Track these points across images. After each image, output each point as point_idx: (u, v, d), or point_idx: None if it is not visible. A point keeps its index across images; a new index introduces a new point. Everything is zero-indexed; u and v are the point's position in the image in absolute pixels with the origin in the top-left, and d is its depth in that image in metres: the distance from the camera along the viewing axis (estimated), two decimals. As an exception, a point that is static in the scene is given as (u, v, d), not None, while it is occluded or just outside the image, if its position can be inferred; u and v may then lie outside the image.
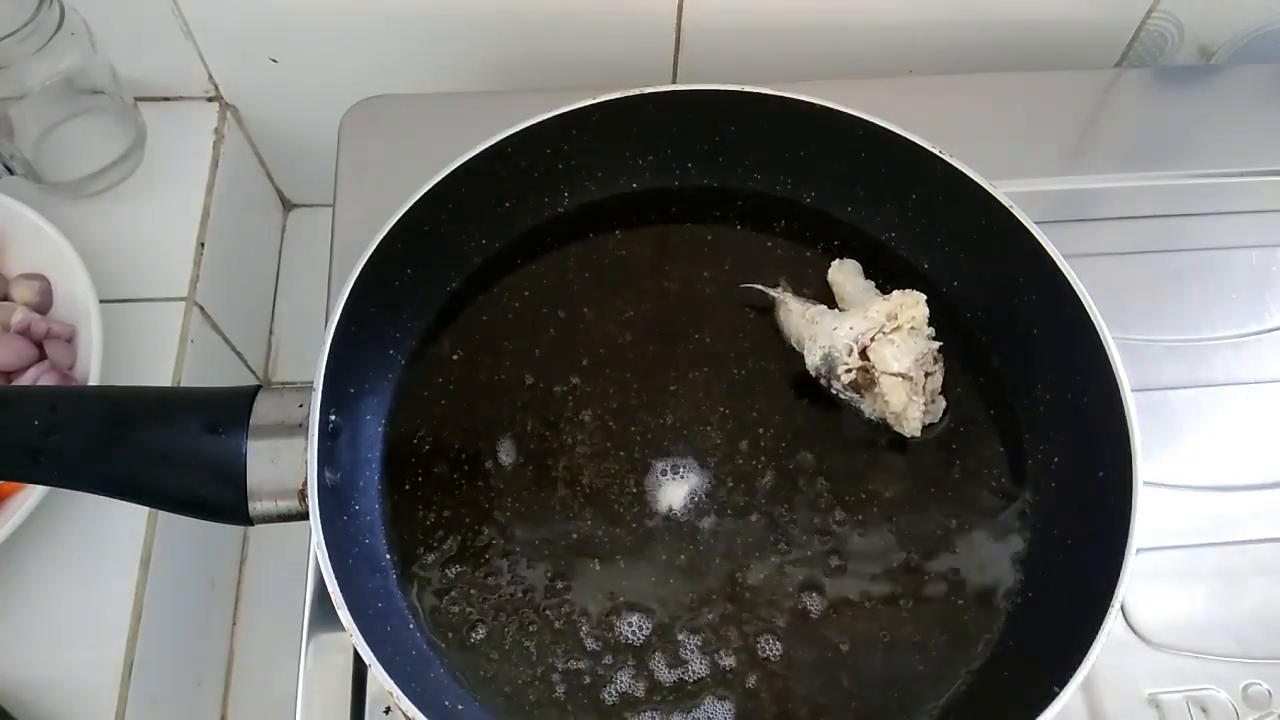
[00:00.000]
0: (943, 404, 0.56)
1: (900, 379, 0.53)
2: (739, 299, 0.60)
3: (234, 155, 0.82)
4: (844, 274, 0.59)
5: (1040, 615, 0.50)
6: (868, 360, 0.53)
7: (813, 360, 0.56)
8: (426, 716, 0.43)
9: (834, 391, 0.56)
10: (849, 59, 0.81)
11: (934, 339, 0.55)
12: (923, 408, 0.54)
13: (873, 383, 0.54)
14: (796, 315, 0.57)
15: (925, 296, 0.54)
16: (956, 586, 0.52)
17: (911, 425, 0.54)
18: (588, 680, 0.49)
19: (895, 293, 0.55)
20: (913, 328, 0.54)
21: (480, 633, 0.50)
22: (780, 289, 0.59)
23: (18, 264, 0.68)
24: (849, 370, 0.54)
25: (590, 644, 0.50)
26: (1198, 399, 0.64)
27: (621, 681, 0.49)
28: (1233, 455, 0.62)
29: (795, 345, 0.57)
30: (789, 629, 0.51)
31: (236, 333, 0.80)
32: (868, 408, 0.55)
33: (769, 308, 0.59)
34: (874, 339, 0.53)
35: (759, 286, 0.59)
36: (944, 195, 0.57)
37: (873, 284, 0.59)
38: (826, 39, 0.79)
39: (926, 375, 0.54)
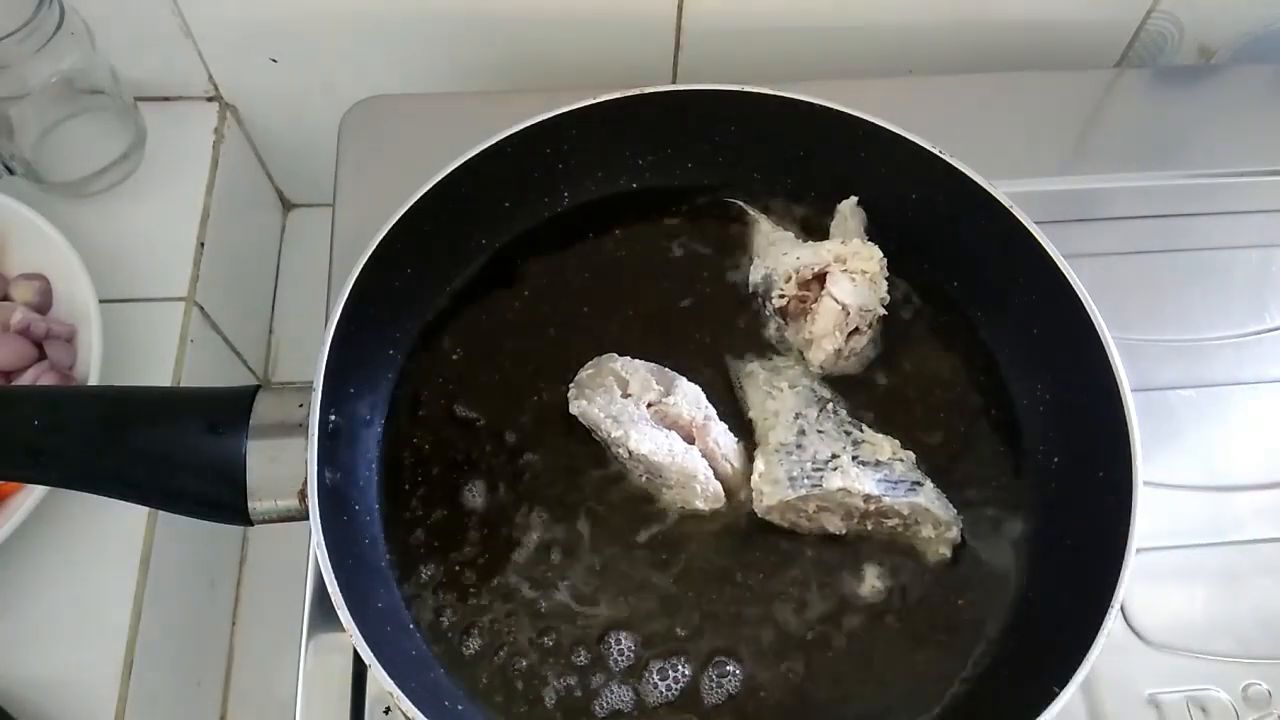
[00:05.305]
0: (853, 365, 0.57)
1: (840, 309, 0.54)
2: (739, 299, 0.60)
3: (234, 155, 0.82)
4: (852, 211, 0.60)
5: (1040, 615, 0.50)
6: (817, 285, 0.55)
7: (754, 277, 0.58)
8: (426, 716, 0.43)
9: (765, 313, 0.57)
10: (849, 59, 0.81)
11: (885, 308, 0.56)
12: (837, 346, 0.55)
13: (804, 312, 0.55)
14: (763, 235, 0.58)
15: (882, 254, 0.55)
16: (957, 586, 0.52)
17: (819, 357, 0.55)
18: (579, 690, 0.49)
19: (855, 240, 0.56)
20: (872, 280, 0.55)
21: (479, 633, 0.50)
22: (758, 211, 0.61)
23: (18, 264, 0.68)
24: (782, 296, 0.56)
25: (578, 652, 0.50)
26: (1198, 399, 0.64)
27: (614, 694, 0.49)
28: (1233, 455, 0.62)
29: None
30: (787, 630, 0.51)
31: (236, 333, 0.80)
32: (790, 334, 0.57)
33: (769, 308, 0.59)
34: (830, 270, 0.55)
35: (740, 202, 0.60)
36: (944, 195, 0.57)
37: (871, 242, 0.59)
38: (826, 39, 0.79)
39: (857, 328, 0.55)
